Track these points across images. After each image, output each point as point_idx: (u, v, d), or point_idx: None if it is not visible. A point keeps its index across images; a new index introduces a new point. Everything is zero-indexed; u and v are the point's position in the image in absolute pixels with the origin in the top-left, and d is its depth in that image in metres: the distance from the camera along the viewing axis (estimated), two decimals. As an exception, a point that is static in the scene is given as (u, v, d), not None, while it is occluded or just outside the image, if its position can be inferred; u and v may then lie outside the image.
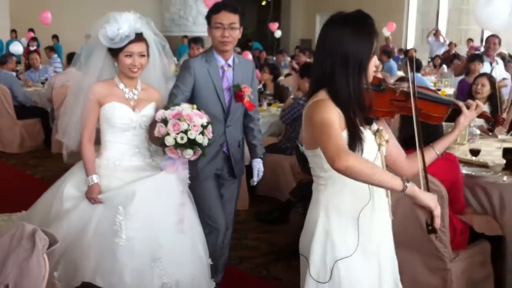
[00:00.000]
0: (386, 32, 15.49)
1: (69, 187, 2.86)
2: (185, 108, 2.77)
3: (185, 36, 13.51)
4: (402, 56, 13.70)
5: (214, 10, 3.13)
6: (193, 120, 2.74)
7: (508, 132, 4.79)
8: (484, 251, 3.28)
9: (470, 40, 14.99)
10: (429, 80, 9.52)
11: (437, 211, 1.83)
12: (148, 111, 2.92)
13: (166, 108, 2.80)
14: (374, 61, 1.95)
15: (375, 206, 1.97)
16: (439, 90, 8.44)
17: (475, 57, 7.16)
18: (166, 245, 2.75)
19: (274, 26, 16.13)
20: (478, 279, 3.23)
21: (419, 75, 8.69)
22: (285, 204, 4.86)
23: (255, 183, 3.46)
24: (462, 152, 3.97)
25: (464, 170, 3.48)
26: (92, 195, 2.77)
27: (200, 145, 2.76)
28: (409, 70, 2.03)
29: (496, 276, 3.31)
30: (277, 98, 6.49)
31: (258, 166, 3.41)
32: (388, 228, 2.08)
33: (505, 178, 3.37)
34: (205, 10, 16.65)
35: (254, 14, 22.66)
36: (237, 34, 3.14)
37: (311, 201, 2.06)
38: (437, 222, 1.84)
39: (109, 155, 2.89)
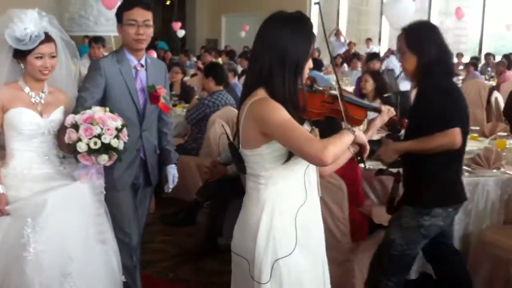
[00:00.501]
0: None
1: None
2: (97, 111, 2.61)
3: (86, 36, 13.08)
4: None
5: (126, 6, 2.95)
6: (107, 123, 2.59)
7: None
8: (383, 241, 3.41)
9: (369, 39, 15.64)
10: (331, 79, 9.82)
11: (368, 147, 2.00)
12: (57, 115, 2.74)
13: (75, 112, 2.64)
14: (309, 63, 1.98)
15: (310, 205, 2.00)
16: (341, 87, 8.74)
17: (372, 56, 7.48)
18: (78, 260, 2.60)
19: (177, 25, 16.00)
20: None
21: (321, 74, 8.93)
22: (192, 205, 4.82)
23: (170, 190, 3.33)
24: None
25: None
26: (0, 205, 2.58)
27: (115, 149, 2.61)
28: (336, 76, 2.19)
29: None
30: (182, 99, 6.43)
31: (173, 172, 3.29)
32: (321, 225, 2.11)
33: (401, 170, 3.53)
34: (106, 10, 16.21)
35: (158, 13, 22.32)
36: (151, 31, 2.98)
37: (248, 201, 2.02)
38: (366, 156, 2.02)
39: (16, 164, 2.69)
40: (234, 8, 18.87)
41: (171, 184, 3.30)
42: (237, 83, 7.14)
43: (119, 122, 2.64)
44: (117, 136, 2.60)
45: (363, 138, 1.96)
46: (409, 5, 5.33)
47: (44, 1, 15.94)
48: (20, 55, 2.64)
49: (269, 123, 1.85)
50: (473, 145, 4.07)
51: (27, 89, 2.70)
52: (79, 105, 2.80)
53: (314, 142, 1.78)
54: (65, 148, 2.72)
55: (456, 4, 18.36)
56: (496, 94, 7.75)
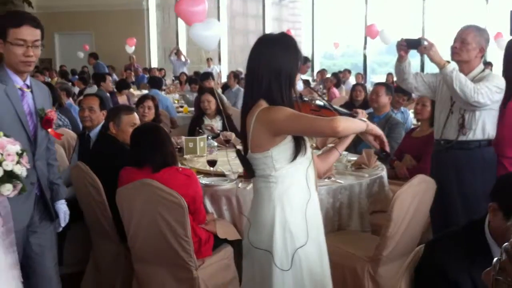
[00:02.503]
0: (129, 49, 15.62)
1: None
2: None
3: None
4: (147, 75, 13.93)
5: (12, 23, 2.59)
6: (6, 148, 2.25)
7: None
8: (228, 256, 3.45)
9: (209, 59, 15.94)
10: (173, 98, 9.83)
11: (385, 139, 2.27)
12: None
13: None
14: (298, 76, 2.29)
15: (314, 201, 2.30)
16: (181, 106, 8.78)
17: (204, 76, 7.74)
18: None
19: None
20: (225, 282, 3.38)
21: (162, 93, 8.90)
22: None
23: (61, 228, 3.00)
24: (202, 163, 4.16)
25: (204, 181, 3.65)
26: None
27: (18, 177, 2.26)
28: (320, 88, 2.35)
29: (241, 277, 3.51)
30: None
31: (64, 208, 2.98)
32: (320, 216, 2.37)
33: (240, 184, 3.62)
34: None
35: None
36: (39, 52, 2.68)
37: (260, 199, 2.28)
38: (387, 146, 2.27)
39: None
40: (68, 26, 18.10)
41: (62, 222, 2.98)
42: (72, 103, 6.84)
43: (18, 147, 2.30)
44: (18, 162, 2.26)
45: (377, 128, 2.24)
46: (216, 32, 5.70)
47: None
48: None
49: (278, 119, 2.12)
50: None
51: None
52: None
53: (322, 118, 2.10)
54: None
55: (286, 26, 19.51)
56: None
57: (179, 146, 4.61)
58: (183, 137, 4.68)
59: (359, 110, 2.52)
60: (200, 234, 3.28)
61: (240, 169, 3.81)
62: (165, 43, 18.47)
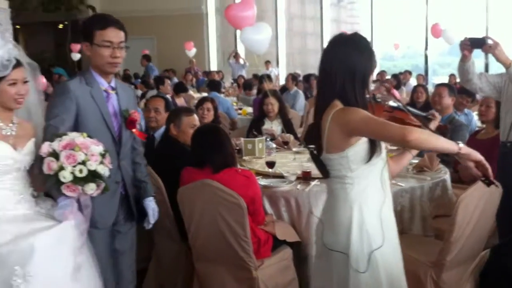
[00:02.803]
0: (189, 53, 15.89)
1: None
2: (76, 137, 2.37)
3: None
4: (206, 79, 14.13)
5: (98, 25, 2.67)
6: (90, 148, 2.34)
7: (301, 144, 5.16)
8: (287, 257, 3.45)
9: (268, 62, 15.99)
10: (231, 100, 9.93)
11: (486, 163, 2.07)
12: (30, 148, 2.47)
13: (50, 140, 2.36)
14: (372, 77, 2.27)
15: (389, 203, 2.28)
16: (240, 109, 8.86)
17: (263, 78, 7.72)
18: None
19: (76, 47, 15.49)
20: (284, 283, 3.39)
21: (221, 96, 9.00)
22: None
23: (150, 226, 3.04)
24: (261, 165, 4.19)
25: (263, 182, 3.67)
26: None
27: (101, 177, 2.35)
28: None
29: (300, 279, 3.51)
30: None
31: (152, 206, 3.01)
32: (393, 218, 2.34)
33: (299, 186, 3.62)
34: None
35: (51, 38, 21.58)
36: (124, 54, 2.74)
37: (336, 201, 2.26)
38: (491, 173, 2.07)
39: None
40: (130, 31, 18.58)
41: (151, 219, 3.01)
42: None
43: (101, 148, 2.40)
44: (101, 162, 2.36)
45: (474, 153, 2.04)
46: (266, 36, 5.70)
47: None
48: None
49: (353, 121, 2.10)
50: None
51: None
52: (48, 136, 2.48)
53: (394, 125, 2.03)
54: (40, 183, 2.46)
55: (345, 27, 19.32)
56: (386, 111, 8.15)
57: (238, 148, 4.66)
58: (242, 139, 4.73)
59: (436, 114, 2.48)
60: (259, 235, 3.30)
61: (298, 170, 3.82)
62: (224, 47, 18.67)
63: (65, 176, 2.29)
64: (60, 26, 21.11)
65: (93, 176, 2.33)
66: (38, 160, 2.41)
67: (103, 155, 2.39)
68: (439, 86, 5.26)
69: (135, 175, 2.98)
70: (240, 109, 8.91)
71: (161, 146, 4.16)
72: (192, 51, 15.91)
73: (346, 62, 2.17)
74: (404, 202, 3.60)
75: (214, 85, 8.65)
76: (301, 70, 16.48)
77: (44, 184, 2.47)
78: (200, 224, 3.22)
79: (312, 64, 20.83)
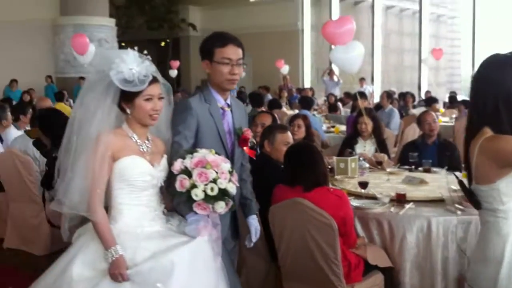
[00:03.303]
0: (283, 70, 16.03)
1: (80, 267, 2.30)
2: (206, 154, 2.37)
3: (81, 78, 13.18)
4: (299, 96, 14.17)
5: (218, 43, 2.71)
6: (220, 166, 2.33)
7: (396, 164, 5.03)
8: (378, 283, 3.35)
9: (362, 79, 15.80)
10: (323, 118, 9.88)
11: None
12: (165, 165, 2.48)
13: (181, 157, 2.37)
14: None
15: None
16: (333, 127, 8.78)
17: (360, 95, 7.58)
18: None
19: (175, 64, 16.13)
20: (374, 309, 3.30)
21: (314, 113, 8.98)
22: None
23: (252, 244, 2.98)
24: (353, 185, 4.11)
25: (355, 203, 3.60)
26: (119, 270, 2.25)
27: (229, 195, 2.34)
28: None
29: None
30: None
31: (255, 224, 2.97)
32: None
33: (392, 208, 3.51)
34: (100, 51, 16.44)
35: (153, 55, 22.56)
36: (242, 71, 2.77)
37: (488, 234, 2.11)
38: None
39: (127, 221, 2.39)
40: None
41: (253, 237, 2.95)
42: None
43: (229, 165, 2.39)
44: (230, 180, 2.35)
45: None
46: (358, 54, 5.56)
47: (41, 43, 16.26)
48: (126, 98, 2.39)
49: (504, 150, 1.98)
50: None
51: (134, 136, 2.44)
52: (174, 152, 2.53)
53: None
54: (168, 199, 2.50)
55: (444, 43, 18.65)
56: (488, 131, 7.75)
57: (330, 166, 4.61)
58: (334, 158, 4.67)
59: None
60: (350, 258, 3.23)
61: (392, 192, 3.71)
62: (318, 63, 18.68)
63: (197, 194, 2.29)
64: (162, 43, 22.09)
65: (223, 194, 2.32)
66: (169, 176, 2.42)
67: (231, 173, 2.37)
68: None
69: (241, 192, 2.96)
70: (333, 126, 8.83)
71: (254, 162, 4.19)
72: (284, 68, 16.02)
73: (500, 86, 2.04)
74: (506, 230, 3.38)
75: (305, 102, 8.61)
76: (396, 87, 16.14)
77: (172, 201, 2.49)
78: (290, 244, 3.21)
79: (408, 82, 20.33)
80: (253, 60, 18.50)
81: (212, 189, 2.29)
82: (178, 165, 2.34)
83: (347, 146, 5.41)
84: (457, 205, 3.44)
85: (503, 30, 19.11)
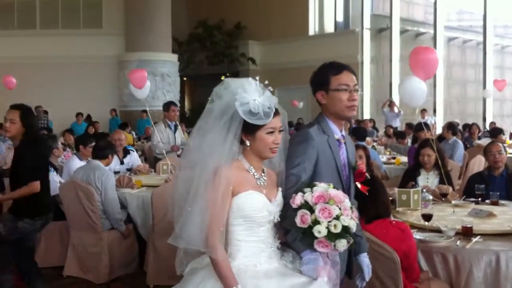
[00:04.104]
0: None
1: None
2: (326, 188, 2.27)
3: (144, 111, 13.56)
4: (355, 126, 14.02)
5: (333, 71, 2.65)
6: (344, 202, 2.25)
7: (461, 197, 4.84)
8: (443, 318, 3.21)
9: (424, 110, 15.48)
10: (383, 149, 9.71)
11: None
12: (280, 199, 2.39)
13: (299, 190, 2.29)
14: None
15: None
16: (394, 158, 8.60)
17: (419, 127, 7.42)
18: None
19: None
20: None
21: (374, 144, 8.83)
22: None
23: (364, 284, 2.76)
24: (416, 217, 3.98)
25: (418, 236, 3.47)
26: None
27: (350, 232, 2.24)
28: None
29: None
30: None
31: (367, 262, 2.76)
32: None
33: (458, 242, 3.37)
34: (163, 85, 17.00)
35: (213, 89, 23.04)
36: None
37: None
38: None
39: (245, 258, 2.30)
40: (287, 81, 19.27)
41: (367, 276, 2.74)
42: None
43: (348, 200, 2.30)
44: (351, 217, 2.25)
45: None
46: (421, 85, 5.40)
47: (107, 79, 16.96)
48: (248, 130, 2.31)
49: None
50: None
51: (252, 170, 2.35)
52: (290, 185, 2.44)
53: None
54: (281, 234, 2.41)
55: (510, 74, 18.09)
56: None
57: (391, 198, 4.49)
58: (396, 189, 4.55)
59: None
60: (413, 292, 3.11)
61: (458, 225, 3.57)
62: (378, 95, 18.49)
63: (321, 230, 2.19)
64: (222, 77, 22.51)
65: (345, 231, 2.22)
66: (285, 210, 2.34)
67: (351, 209, 2.28)
68: None
69: None
70: (394, 158, 8.64)
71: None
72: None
73: None
74: None
75: (359, 133, 8.26)
76: (459, 119, 15.70)
77: (284, 235, 2.40)
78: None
79: (472, 113, 19.75)
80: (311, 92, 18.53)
81: (335, 226, 2.19)
82: (298, 199, 2.26)
83: (409, 177, 5.27)
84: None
85: None
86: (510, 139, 11.68)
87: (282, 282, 2.26)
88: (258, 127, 2.30)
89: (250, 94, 2.27)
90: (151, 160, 9.06)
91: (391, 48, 18.62)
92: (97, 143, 5.57)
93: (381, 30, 19.62)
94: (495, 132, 10.21)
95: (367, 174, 2.72)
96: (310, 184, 2.32)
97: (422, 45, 5.93)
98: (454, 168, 6.78)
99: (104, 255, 4.95)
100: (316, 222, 2.19)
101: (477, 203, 4.56)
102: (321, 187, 2.27)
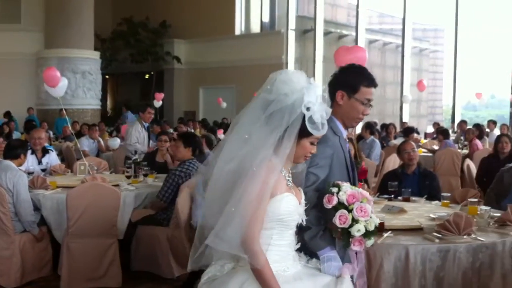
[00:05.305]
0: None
1: None
2: (354, 188, 2.30)
3: (61, 110, 13.12)
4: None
5: (366, 82, 2.68)
6: (372, 201, 2.31)
7: (375, 194, 4.99)
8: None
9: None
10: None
11: None
12: (303, 201, 2.33)
13: (326, 192, 2.30)
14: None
15: None
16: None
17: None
18: None
19: (159, 96, 16.12)
20: None
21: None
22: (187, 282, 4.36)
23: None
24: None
25: (332, 232, 3.55)
26: None
27: (376, 230, 2.30)
28: None
29: None
30: (154, 169, 6.33)
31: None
32: None
33: (369, 237, 3.47)
34: (84, 83, 16.54)
35: (137, 87, 22.69)
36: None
37: None
38: None
39: (275, 263, 2.18)
40: (213, 80, 19.25)
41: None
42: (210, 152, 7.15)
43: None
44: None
45: None
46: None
47: (24, 77, 16.28)
48: (298, 136, 2.20)
49: None
50: (444, 211, 4.04)
51: (283, 170, 2.24)
52: (309, 183, 2.45)
53: None
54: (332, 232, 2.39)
55: (426, 76, 18.94)
56: (468, 161, 7.84)
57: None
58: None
59: None
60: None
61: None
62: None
63: (360, 229, 2.23)
64: (147, 76, 22.18)
65: (376, 228, 2.29)
66: (318, 211, 2.35)
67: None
68: (524, 136, 4.97)
69: None
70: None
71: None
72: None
73: None
74: (484, 258, 3.36)
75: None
76: (378, 118, 16.25)
77: (298, 233, 2.36)
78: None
79: (390, 113, 20.50)
80: (237, 92, 18.64)
81: (370, 224, 2.25)
82: (334, 200, 2.27)
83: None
84: (435, 233, 3.41)
85: (483, 63, 19.47)
86: (425, 138, 12.21)
87: (314, 282, 2.25)
88: (306, 135, 2.20)
89: (313, 98, 2.17)
90: (70, 160, 8.79)
91: (315, 49, 18.99)
92: (8, 142, 5.33)
93: (305, 32, 19.97)
94: (408, 132, 10.69)
95: None
96: (335, 184, 2.34)
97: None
98: (370, 166, 7.01)
99: (15, 258, 4.74)
100: (355, 221, 2.23)
101: (390, 199, 4.72)
102: (347, 187, 2.30)
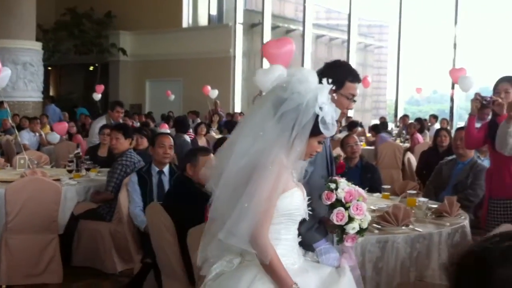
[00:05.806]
0: (213, 95, 16.07)
1: None
2: (347, 184, 2.32)
3: (1, 102, 12.66)
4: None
5: (351, 77, 2.71)
6: (366, 200, 2.35)
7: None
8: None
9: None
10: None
11: None
12: (306, 195, 2.33)
13: (325, 188, 2.31)
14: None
15: None
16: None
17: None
18: None
19: (100, 88, 15.76)
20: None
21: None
22: (140, 272, 4.30)
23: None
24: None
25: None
26: None
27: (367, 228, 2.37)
28: None
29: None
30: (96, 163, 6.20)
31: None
32: None
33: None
34: (25, 75, 15.89)
35: (81, 79, 22.13)
36: None
37: None
38: None
39: (283, 258, 2.18)
40: (159, 73, 19.01)
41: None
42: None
43: None
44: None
45: None
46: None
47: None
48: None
49: None
50: (384, 203, 4.14)
51: (290, 168, 2.24)
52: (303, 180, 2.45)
53: None
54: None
55: (371, 71, 19.36)
56: (409, 155, 8.07)
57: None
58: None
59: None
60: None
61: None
62: (249, 89, 18.86)
63: (355, 227, 2.28)
64: (91, 68, 21.66)
65: (368, 226, 2.36)
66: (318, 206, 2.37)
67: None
68: (460, 130, 5.16)
69: None
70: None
71: (173, 185, 4.13)
72: (212, 93, 16.00)
73: None
74: (421, 248, 3.47)
75: (231, 126, 8.61)
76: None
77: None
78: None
79: (337, 108, 20.86)
80: (184, 85, 18.49)
81: (364, 222, 2.31)
82: (332, 196, 2.29)
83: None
84: (374, 225, 3.50)
85: (426, 59, 20.08)
86: (369, 132, 12.46)
87: (319, 274, 2.29)
88: (316, 134, 2.21)
89: (325, 98, 2.18)
90: (9, 154, 8.52)
91: (262, 43, 19.06)
92: None
93: (253, 25, 20.00)
94: (351, 126, 10.91)
95: None
96: (333, 180, 2.35)
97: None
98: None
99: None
100: (351, 219, 2.28)
101: (332, 192, 4.80)
102: (343, 183, 2.32)
